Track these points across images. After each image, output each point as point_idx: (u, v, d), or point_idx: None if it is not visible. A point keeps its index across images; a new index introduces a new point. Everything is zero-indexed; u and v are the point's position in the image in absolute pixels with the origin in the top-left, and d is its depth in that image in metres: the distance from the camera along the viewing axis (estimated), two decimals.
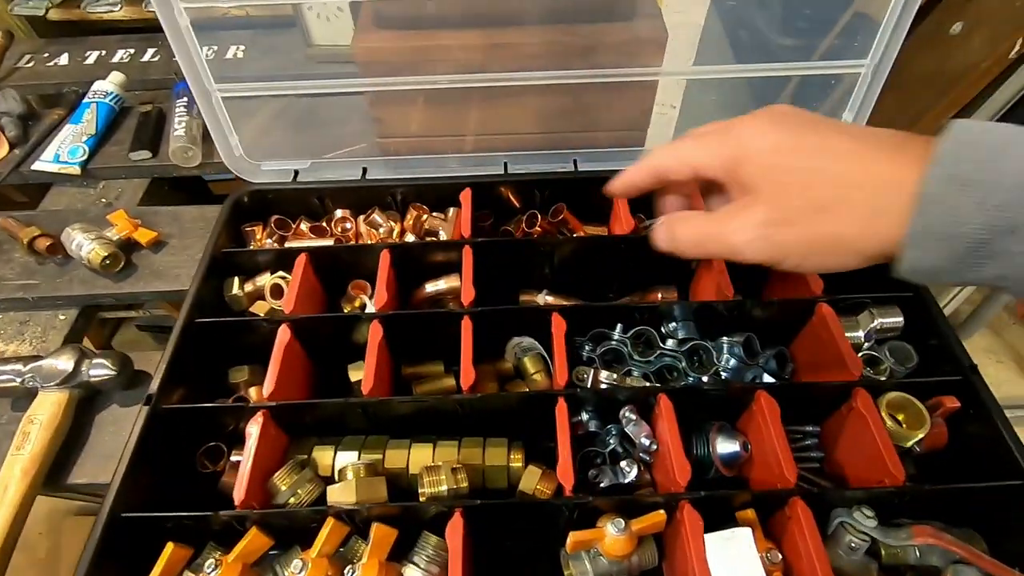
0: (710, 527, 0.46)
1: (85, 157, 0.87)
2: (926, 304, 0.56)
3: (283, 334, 0.55)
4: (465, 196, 0.65)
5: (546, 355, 0.60)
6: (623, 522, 0.45)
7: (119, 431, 0.62)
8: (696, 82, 0.74)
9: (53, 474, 0.59)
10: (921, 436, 0.50)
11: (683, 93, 0.77)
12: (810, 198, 0.34)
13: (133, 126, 0.93)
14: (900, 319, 0.57)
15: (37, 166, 0.86)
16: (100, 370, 0.61)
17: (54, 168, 0.86)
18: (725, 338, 0.57)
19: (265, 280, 0.63)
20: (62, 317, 0.73)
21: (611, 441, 0.53)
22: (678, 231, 0.41)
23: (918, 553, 0.47)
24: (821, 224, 0.34)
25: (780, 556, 0.46)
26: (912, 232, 0.31)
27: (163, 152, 0.89)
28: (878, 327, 0.56)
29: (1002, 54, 1.12)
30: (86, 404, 0.63)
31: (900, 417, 0.52)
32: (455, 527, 0.45)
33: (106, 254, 0.71)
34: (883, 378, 0.55)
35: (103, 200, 0.87)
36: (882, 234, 0.32)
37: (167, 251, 0.77)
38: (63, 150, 0.87)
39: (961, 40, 1.24)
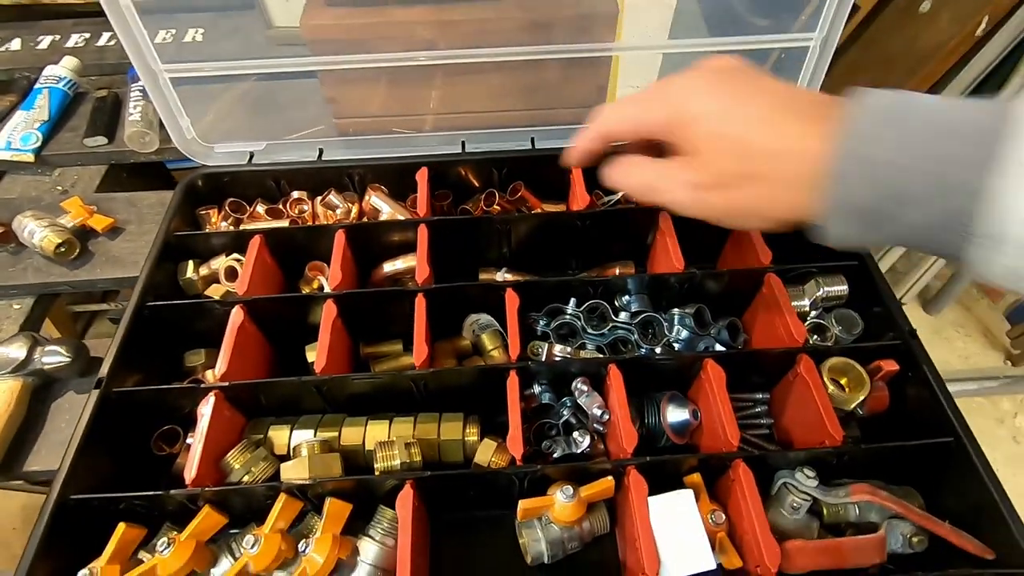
0: (659, 492, 0.47)
1: (38, 144, 0.85)
2: (870, 273, 0.58)
3: (236, 315, 0.55)
4: (421, 175, 0.65)
5: (503, 332, 0.60)
6: (571, 489, 0.46)
7: (75, 419, 0.61)
8: (670, 62, 0.74)
9: (7, 462, 0.58)
10: (862, 398, 0.51)
11: (657, 73, 0.77)
12: (735, 166, 0.37)
13: (88, 112, 0.91)
14: (845, 287, 0.58)
15: None
16: (54, 357, 0.61)
17: (6, 155, 0.84)
18: (676, 310, 0.58)
19: (220, 263, 0.62)
20: (17, 306, 0.72)
21: (564, 413, 0.54)
22: (631, 176, 0.43)
23: (858, 510, 0.49)
24: (743, 191, 0.37)
25: (724, 517, 0.47)
26: (828, 209, 0.33)
27: (120, 138, 0.87)
28: (824, 295, 0.58)
29: (969, 32, 1.14)
30: (41, 392, 0.62)
31: (843, 381, 0.53)
32: (405, 498, 0.46)
33: (60, 241, 0.70)
34: (830, 344, 0.57)
35: (59, 188, 0.85)
36: (795, 204, 0.35)
37: (124, 237, 0.76)
38: (15, 137, 0.85)
39: (930, 19, 1.25)
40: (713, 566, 0.43)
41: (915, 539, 0.46)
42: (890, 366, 0.52)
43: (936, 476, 0.49)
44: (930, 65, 1.21)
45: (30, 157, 0.85)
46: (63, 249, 0.71)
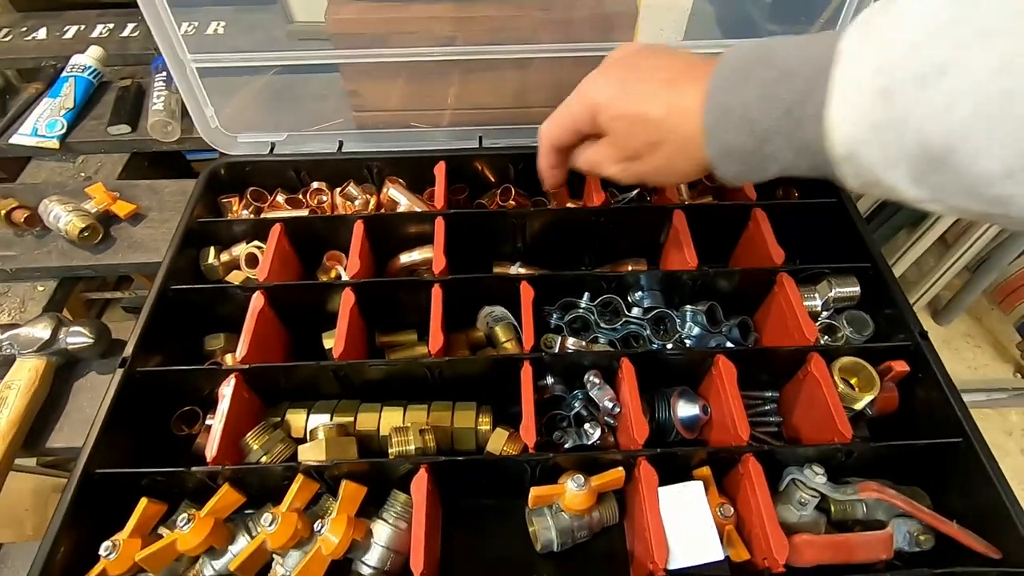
0: (669, 484, 0.48)
1: (63, 131, 0.87)
2: (882, 275, 0.58)
3: (256, 300, 0.56)
4: (439, 169, 0.66)
5: (517, 324, 0.61)
6: (583, 478, 0.47)
7: (96, 398, 0.62)
8: None
9: (31, 439, 0.60)
10: (871, 398, 0.52)
11: None
12: (641, 139, 0.43)
13: (112, 100, 0.92)
14: (857, 289, 0.58)
15: (15, 140, 0.86)
16: (77, 338, 0.62)
17: (32, 142, 0.86)
18: (689, 306, 0.58)
19: (241, 250, 0.64)
20: (40, 288, 0.74)
21: (576, 404, 0.55)
22: (578, 159, 0.51)
23: (865, 508, 0.49)
24: (655, 156, 0.43)
25: (732, 510, 0.48)
26: (712, 156, 0.39)
27: (142, 127, 0.89)
28: (835, 296, 0.58)
29: None
30: (64, 371, 0.64)
31: (853, 381, 0.54)
32: (420, 482, 0.47)
33: (84, 226, 0.72)
34: (841, 344, 0.57)
35: (82, 174, 0.87)
36: (695, 157, 0.40)
37: (146, 223, 0.77)
38: (41, 124, 0.87)
39: None
40: (721, 557, 0.44)
41: (922, 537, 0.46)
42: (900, 367, 0.53)
43: (944, 476, 0.49)
44: None
45: (55, 144, 0.86)
46: (87, 233, 0.72)
